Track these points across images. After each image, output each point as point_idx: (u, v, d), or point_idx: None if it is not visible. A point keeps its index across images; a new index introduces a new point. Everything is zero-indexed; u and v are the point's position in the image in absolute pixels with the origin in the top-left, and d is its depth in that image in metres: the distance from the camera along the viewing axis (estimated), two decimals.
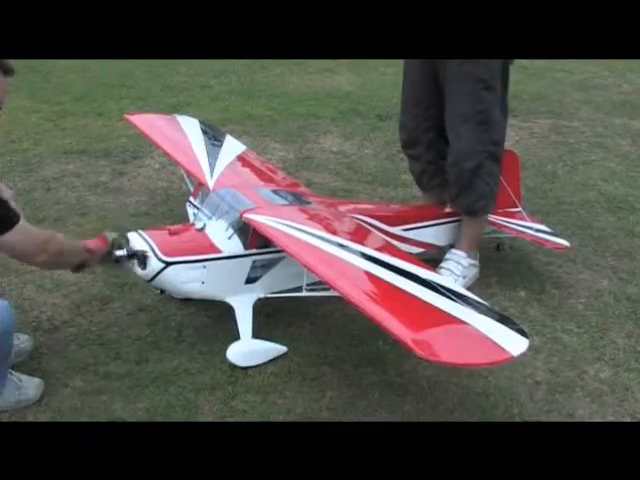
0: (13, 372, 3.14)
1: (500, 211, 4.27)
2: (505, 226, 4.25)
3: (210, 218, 3.52)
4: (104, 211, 4.71)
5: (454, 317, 2.89)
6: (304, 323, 3.72)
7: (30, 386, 3.13)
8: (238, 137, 4.71)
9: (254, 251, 3.44)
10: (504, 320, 2.97)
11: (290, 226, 3.32)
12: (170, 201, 4.87)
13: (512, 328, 2.90)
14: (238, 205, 3.49)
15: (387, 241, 3.67)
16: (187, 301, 3.72)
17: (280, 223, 3.33)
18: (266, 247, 3.44)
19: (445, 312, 2.92)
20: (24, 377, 3.15)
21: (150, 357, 3.43)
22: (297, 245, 3.23)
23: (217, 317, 3.67)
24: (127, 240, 3.34)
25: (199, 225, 3.44)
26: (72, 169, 5.30)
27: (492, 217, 4.23)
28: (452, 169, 3.97)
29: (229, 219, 3.45)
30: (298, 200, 3.75)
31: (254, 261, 3.45)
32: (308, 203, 3.75)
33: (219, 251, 3.37)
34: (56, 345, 3.47)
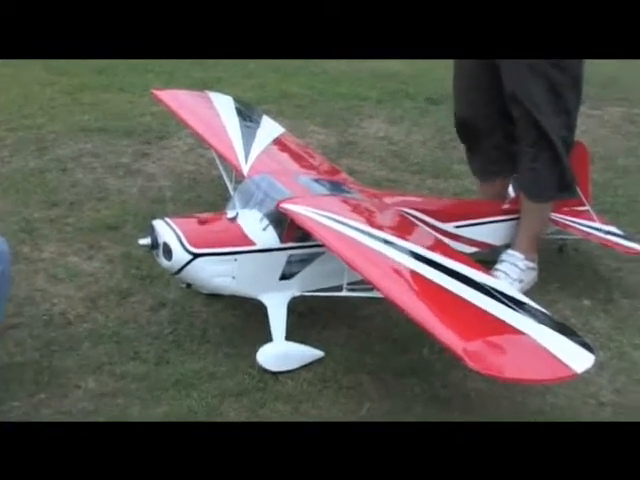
0: None
1: (565, 209, 4.26)
2: (570, 226, 4.23)
3: (243, 207, 3.55)
4: (125, 195, 4.76)
5: (510, 326, 2.90)
6: (342, 326, 3.74)
7: None
8: (273, 118, 4.73)
9: (290, 245, 3.47)
10: (566, 332, 2.97)
11: (331, 218, 3.35)
12: (198, 187, 4.90)
13: (575, 341, 2.89)
14: (274, 193, 3.52)
15: (437, 238, 3.69)
16: (214, 297, 3.76)
17: (320, 215, 3.36)
18: (304, 241, 3.46)
19: (500, 320, 2.93)
20: None
21: (171, 358, 3.47)
22: (338, 239, 3.26)
23: (247, 316, 3.71)
24: (152, 228, 3.39)
25: (231, 214, 3.47)
26: (90, 148, 5.36)
27: (555, 215, 4.22)
28: (525, 156, 4.00)
29: (264, 209, 3.48)
30: (340, 190, 3.78)
31: (290, 255, 3.48)
32: (351, 193, 3.78)
33: (252, 243, 3.40)
34: (68, 341, 3.52)
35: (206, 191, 4.81)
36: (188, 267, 3.32)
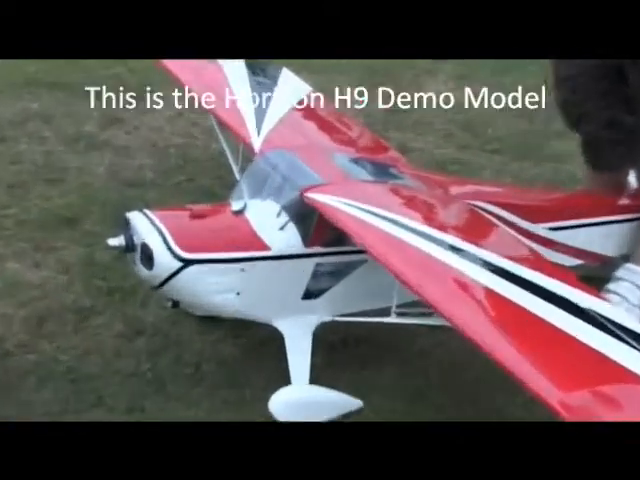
0: None
1: None
2: None
3: (254, 196, 3.55)
4: (87, 177, 4.79)
5: (629, 371, 2.85)
6: (388, 364, 3.75)
7: None
8: (296, 73, 4.72)
9: (319, 250, 3.48)
10: None
11: (376, 215, 3.34)
12: (190, 167, 4.94)
13: None
14: (298, 178, 3.52)
15: (525, 245, 3.67)
16: (211, 321, 3.78)
17: (361, 209, 3.35)
18: (337, 245, 3.48)
19: (615, 362, 2.89)
20: None
21: (148, 405, 3.48)
22: (386, 244, 3.25)
23: (255, 348, 3.74)
24: (127, 223, 3.39)
25: (237, 206, 3.48)
26: (39, 110, 5.42)
27: None
28: None
29: (283, 199, 3.48)
30: (388, 175, 3.79)
31: (318, 265, 3.48)
32: (403, 180, 3.79)
33: (265, 247, 3.41)
34: (4, 379, 3.54)
35: (201, 173, 4.84)
36: (176, 279, 3.33)
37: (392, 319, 3.43)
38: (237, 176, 4.00)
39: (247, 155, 3.97)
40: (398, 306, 3.39)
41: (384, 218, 3.34)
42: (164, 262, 3.31)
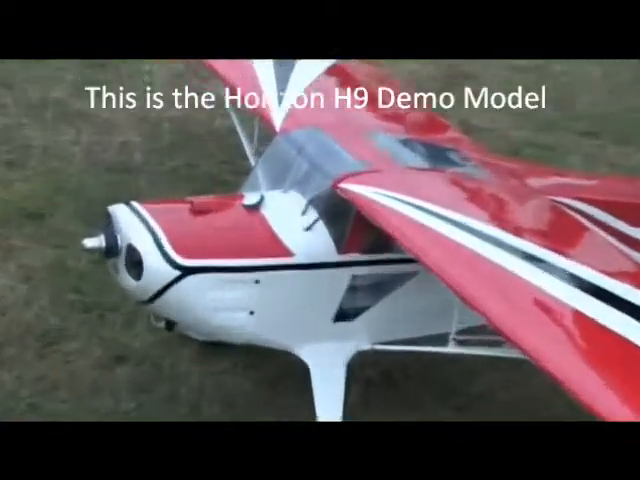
0: None
1: None
2: None
3: (273, 186, 3.58)
4: (57, 158, 4.86)
5: None
6: (442, 406, 3.81)
7: None
8: None
9: (356, 257, 3.50)
10: None
11: (432, 213, 3.35)
12: (190, 147, 4.99)
13: None
14: (330, 163, 3.55)
15: (626, 255, 3.67)
16: (214, 348, 3.84)
17: (412, 205, 3.37)
18: (380, 252, 3.51)
19: None
20: None
21: None
22: (444, 252, 3.28)
23: (271, 382, 3.80)
24: (108, 219, 3.43)
25: (251, 199, 3.50)
26: None
27: None
28: None
29: (311, 191, 3.51)
30: (448, 161, 3.82)
31: (355, 277, 3.50)
32: (468, 167, 3.83)
33: (287, 253, 3.43)
34: None
35: (204, 155, 4.90)
36: (171, 291, 3.35)
37: (450, 349, 3.45)
38: (251, 160, 4.03)
39: (264, 132, 4.00)
40: (458, 332, 3.42)
41: (442, 217, 3.36)
42: (156, 270, 3.33)
